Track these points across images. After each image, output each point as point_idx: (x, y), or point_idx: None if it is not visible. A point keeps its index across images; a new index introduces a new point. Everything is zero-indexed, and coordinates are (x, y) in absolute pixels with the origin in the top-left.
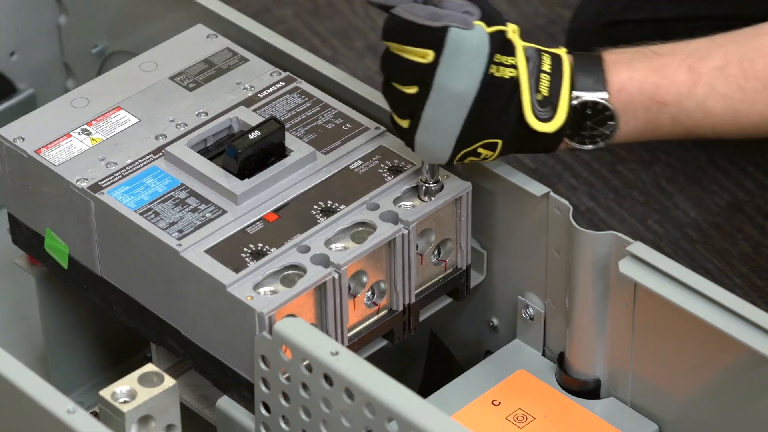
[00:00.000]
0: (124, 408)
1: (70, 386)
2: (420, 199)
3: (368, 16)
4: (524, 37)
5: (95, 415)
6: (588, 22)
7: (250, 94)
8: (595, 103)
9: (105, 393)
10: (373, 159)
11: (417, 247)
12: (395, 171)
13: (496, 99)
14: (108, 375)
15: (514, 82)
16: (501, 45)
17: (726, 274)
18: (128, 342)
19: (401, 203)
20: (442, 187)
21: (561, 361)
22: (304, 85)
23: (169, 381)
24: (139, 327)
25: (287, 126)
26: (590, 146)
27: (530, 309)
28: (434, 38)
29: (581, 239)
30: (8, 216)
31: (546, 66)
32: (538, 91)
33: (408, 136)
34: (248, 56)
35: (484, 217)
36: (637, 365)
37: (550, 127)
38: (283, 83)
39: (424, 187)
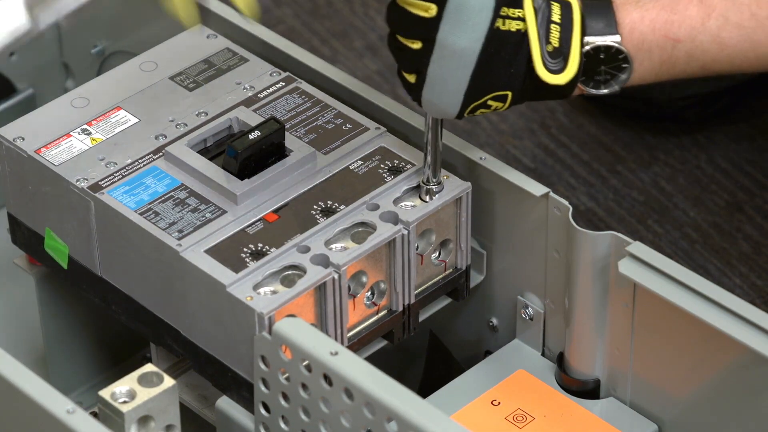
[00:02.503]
0: (124, 408)
1: (70, 386)
2: (420, 199)
3: (368, 16)
4: None
5: (95, 415)
6: None
7: (250, 94)
8: (608, 47)
9: (104, 393)
10: (373, 159)
11: (417, 247)
12: (395, 171)
13: (503, 52)
14: (107, 375)
15: (522, 34)
16: None
17: (726, 274)
18: (128, 342)
19: (401, 203)
20: (442, 188)
21: (560, 361)
22: (304, 86)
23: (168, 381)
24: (139, 327)
25: (287, 126)
26: (606, 90)
27: (530, 309)
28: None
29: (581, 239)
30: (8, 216)
31: (555, 16)
32: (549, 42)
33: (415, 92)
34: (248, 56)
35: (483, 217)
36: (636, 365)
37: (561, 78)
38: (283, 83)
39: (425, 188)
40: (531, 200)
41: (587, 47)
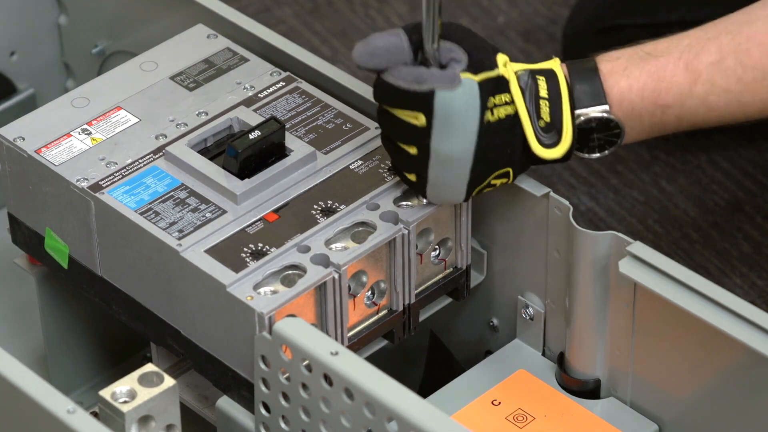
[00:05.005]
0: (124, 408)
1: (70, 386)
2: (419, 199)
3: (368, 16)
4: (524, 37)
5: (95, 415)
6: (583, 27)
7: (250, 93)
8: (598, 118)
9: (105, 393)
10: (374, 159)
11: (417, 247)
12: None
13: (497, 140)
14: (108, 375)
15: (513, 117)
16: (492, 88)
17: (726, 273)
18: (128, 342)
19: (401, 203)
20: None
21: (561, 361)
22: (304, 85)
23: (169, 381)
24: (139, 327)
25: (287, 126)
26: (598, 154)
27: (530, 309)
28: (422, 103)
29: (581, 239)
30: (8, 216)
31: (543, 91)
32: (540, 118)
33: (418, 190)
34: (248, 56)
35: (484, 217)
36: (637, 365)
37: (557, 152)
38: (283, 83)
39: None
40: (531, 200)
41: (580, 119)
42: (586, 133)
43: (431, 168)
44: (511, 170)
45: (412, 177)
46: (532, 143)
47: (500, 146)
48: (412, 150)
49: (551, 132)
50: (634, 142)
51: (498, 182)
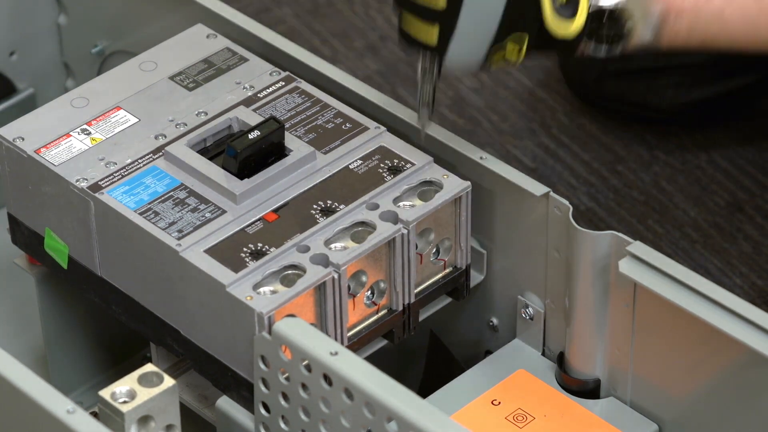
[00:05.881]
0: (124, 408)
1: (70, 386)
2: (419, 199)
3: (368, 16)
4: None
5: (95, 415)
6: (582, 90)
7: (249, 93)
8: (612, 11)
9: (104, 393)
10: (373, 159)
11: (416, 246)
12: (395, 171)
13: None
14: (108, 375)
15: None
16: None
17: (726, 274)
18: (128, 342)
19: (401, 203)
20: (441, 187)
21: (561, 360)
22: (304, 85)
23: (168, 381)
24: (139, 327)
25: (287, 126)
26: (604, 54)
27: (530, 309)
28: None
29: (581, 239)
30: (8, 216)
31: None
32: None
33: (439, 48)
34: (248, 56)
35: (483, 217)
36: (637, 365)
37: (570, 27)
38: (283, 83)
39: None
40: (531, 200)
41: (593, 9)
42: (598, 26)
43: (465, 6)
44: (526, 38)
45: (434, 30)
46: (547, 11)
47: (525, 4)
48: (441, 3)
49: (566, 7)
50: (646, 51)
51: (511, 47)
